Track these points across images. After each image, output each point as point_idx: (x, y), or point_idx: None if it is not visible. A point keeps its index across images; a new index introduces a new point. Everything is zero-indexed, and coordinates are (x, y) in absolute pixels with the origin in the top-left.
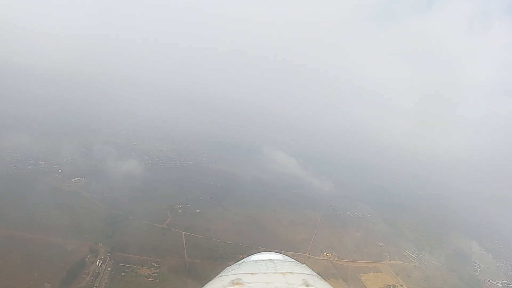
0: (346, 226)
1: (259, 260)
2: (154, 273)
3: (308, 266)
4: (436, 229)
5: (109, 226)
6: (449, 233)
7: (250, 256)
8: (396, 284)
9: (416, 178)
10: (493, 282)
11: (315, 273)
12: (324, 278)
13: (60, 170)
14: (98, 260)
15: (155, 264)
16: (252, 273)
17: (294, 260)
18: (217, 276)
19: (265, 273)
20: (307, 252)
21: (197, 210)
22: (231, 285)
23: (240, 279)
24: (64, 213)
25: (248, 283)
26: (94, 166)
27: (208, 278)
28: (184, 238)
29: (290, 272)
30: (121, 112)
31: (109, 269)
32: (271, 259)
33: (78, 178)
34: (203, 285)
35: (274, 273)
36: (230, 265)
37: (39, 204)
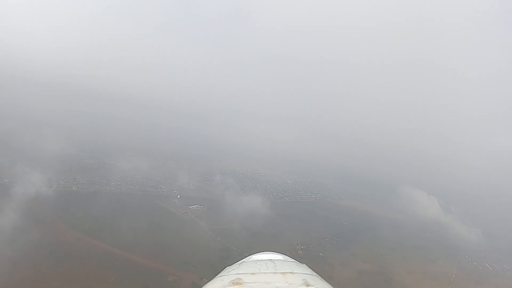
0: (483, 282)
1: (259, 260)
2: None
3: (308, 266)
4: None
5: (220, 261)
6: None
7: (250, 256)
8: None
9: None
10: None
11: (315, 273)
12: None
13: (178, 196)
14: None
15: None
16: (252, 273)
17: (294, 260)
18: (217, 276)
19: (265, 273)
20: None
21: (320, 253)
22: (231, 285)
23: (240, 279)
24: (174, 240)
25: (248, 283)
26: (214, 194)
27: None
28: None
29: (290, 272)
30: (248, 141)
31: None
32: (271, 259)
33: (197, 205)
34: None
35: (274, 273)
36: (230, 265)
37: (150, 227)
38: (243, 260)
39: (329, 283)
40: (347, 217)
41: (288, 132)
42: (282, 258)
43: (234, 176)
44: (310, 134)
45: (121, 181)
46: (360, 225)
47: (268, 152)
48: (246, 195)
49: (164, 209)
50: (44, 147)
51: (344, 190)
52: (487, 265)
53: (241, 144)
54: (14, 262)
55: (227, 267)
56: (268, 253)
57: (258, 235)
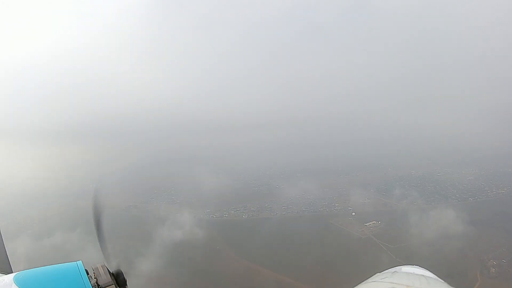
0: None
1: (412, 273)
2: None
3: None
4: None
5: None
6: None
7: (400, 267)
8: None
9: None
10: None
11: None
12: None
13: (353, 213)
14: None
15: None
16: (407, 286)
17: (444, 282)
18: (369, 280)
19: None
20: None
21: None
22: None
23: None
24: (349, 264)
25: None
26: (393, 206)
27: None
28: None
29: None
30: (417, 139)
31: None
32: (423, 275)
33: (374, 221)
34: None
35: None
36: (380, 272)
37: (323, 250)
38: (395, 270)
39: None
40: None
41: (455, 121)
42: (433, 276)
43: (411, 182)
44: (479, 116)
45: (292, 204)
46: None
47: (441, 147)
48: (426, 202)
49: (339, 229)
50: (214, 181)
51: None
52: None
53: (410, 143)
54: None
55: (378, 274)
56: (418, 268)
57: (442, 251)
